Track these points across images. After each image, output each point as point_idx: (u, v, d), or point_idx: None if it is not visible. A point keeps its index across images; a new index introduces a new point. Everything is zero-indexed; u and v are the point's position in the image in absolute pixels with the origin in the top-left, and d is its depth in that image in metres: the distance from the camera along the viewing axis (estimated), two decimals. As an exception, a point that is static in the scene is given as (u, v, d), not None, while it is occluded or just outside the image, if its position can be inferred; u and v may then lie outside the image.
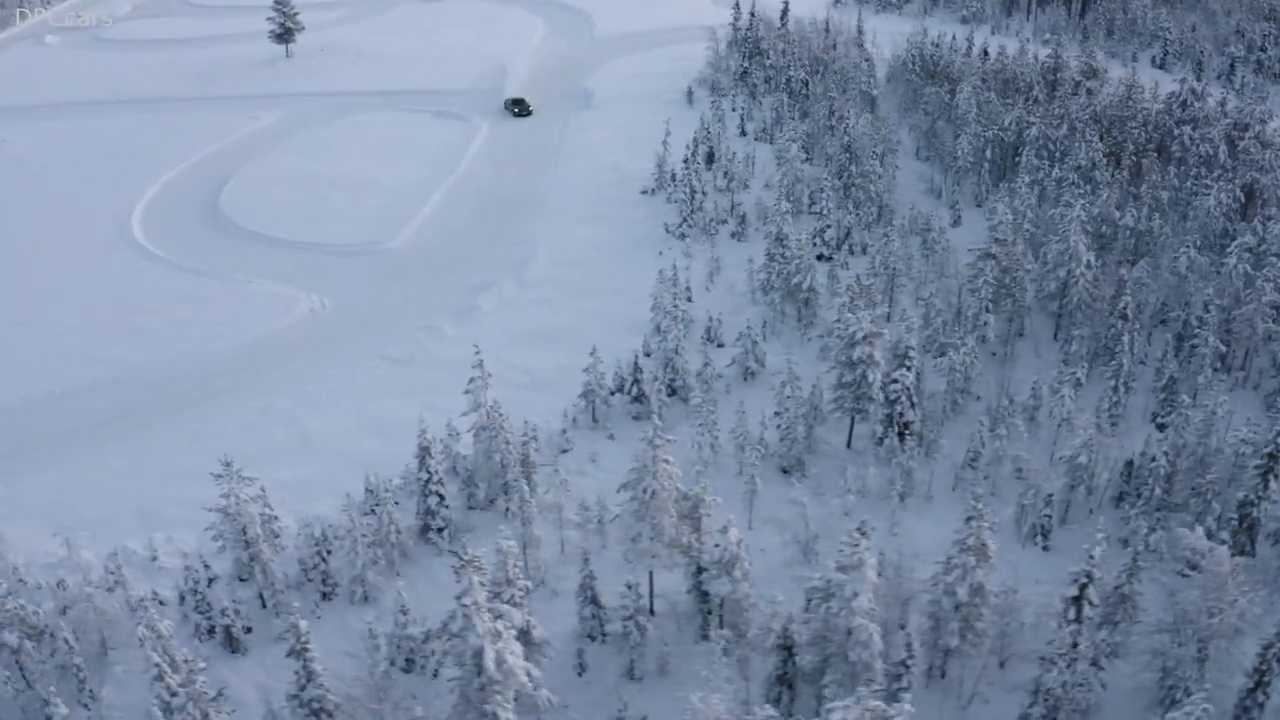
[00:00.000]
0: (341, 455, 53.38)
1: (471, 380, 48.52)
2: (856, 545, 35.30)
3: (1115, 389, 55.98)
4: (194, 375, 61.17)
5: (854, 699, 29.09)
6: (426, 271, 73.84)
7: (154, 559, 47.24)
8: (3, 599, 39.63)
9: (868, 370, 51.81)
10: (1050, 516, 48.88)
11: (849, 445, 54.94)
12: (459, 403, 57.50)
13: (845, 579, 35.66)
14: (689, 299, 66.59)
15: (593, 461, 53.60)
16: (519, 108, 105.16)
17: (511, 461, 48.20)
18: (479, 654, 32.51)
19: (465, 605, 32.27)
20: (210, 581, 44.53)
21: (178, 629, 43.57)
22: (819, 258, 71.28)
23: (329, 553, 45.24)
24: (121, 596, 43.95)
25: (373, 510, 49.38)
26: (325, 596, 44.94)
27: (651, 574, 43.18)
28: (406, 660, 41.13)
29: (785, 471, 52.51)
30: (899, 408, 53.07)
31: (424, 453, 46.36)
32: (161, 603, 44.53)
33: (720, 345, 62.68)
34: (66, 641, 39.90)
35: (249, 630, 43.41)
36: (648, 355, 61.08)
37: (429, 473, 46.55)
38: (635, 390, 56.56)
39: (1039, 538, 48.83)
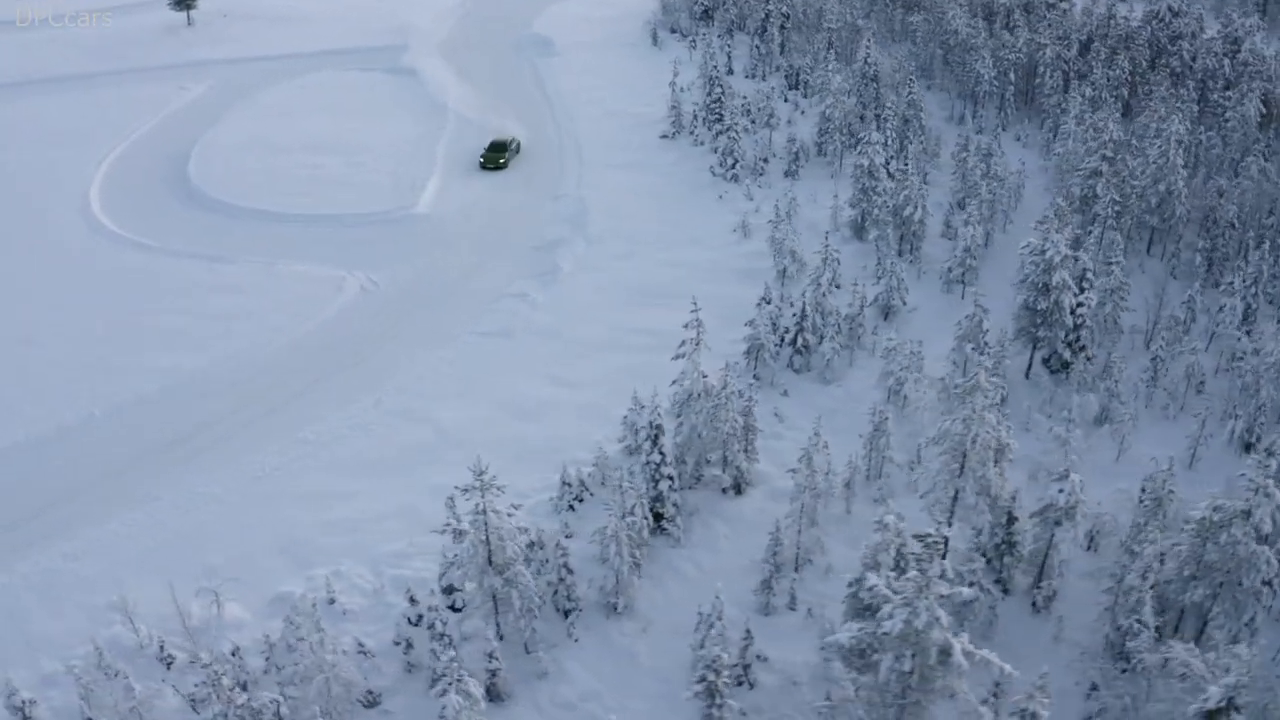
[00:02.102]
0: (497, 447, 44.77)
1: (682, 344, 41.88)
2: (1268, 467, 32.15)
3: (1256, 295, 55.89)
4: (263, 377, 50.51)
5: None
6: (471, 235, 64.97)
7: (332, 602, 38.12)
8: (228, 692, 30.01)
9: (1061, 295, 48.88)
10: (1264, 425, 47.93)
11: (1027, 376, 52.10)
12: (585, 374, 51.67)
13: (1246, 505, 32.50)
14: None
15: (780, 421, 48.20)
16: (489, 157, 72.76)
17: (737, 431, 42.16)
18: (946, 650, 27.09)
19: (928, 598, 26.66)
20: (419, 619, 36.40)
21: (403, 681, 35.64)
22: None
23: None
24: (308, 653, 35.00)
25: (571, 507, 42.41)
26: (570, 615, 37.49)
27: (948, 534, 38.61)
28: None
29: (978, 409, 48.94)
30: (1081, 333, 50.66)
31: (656, 431, 39.49)
32: (370, 654, 36.02)
33: (837, 286, 58.13)
34: (317, 733, 31.14)
35: (501, 671, 35.64)
36: (768, 303, 55.69)
37: (661, 454, 39.76)
38: (800, 341, 51.26)
39: (1252, 448, 47.72)
